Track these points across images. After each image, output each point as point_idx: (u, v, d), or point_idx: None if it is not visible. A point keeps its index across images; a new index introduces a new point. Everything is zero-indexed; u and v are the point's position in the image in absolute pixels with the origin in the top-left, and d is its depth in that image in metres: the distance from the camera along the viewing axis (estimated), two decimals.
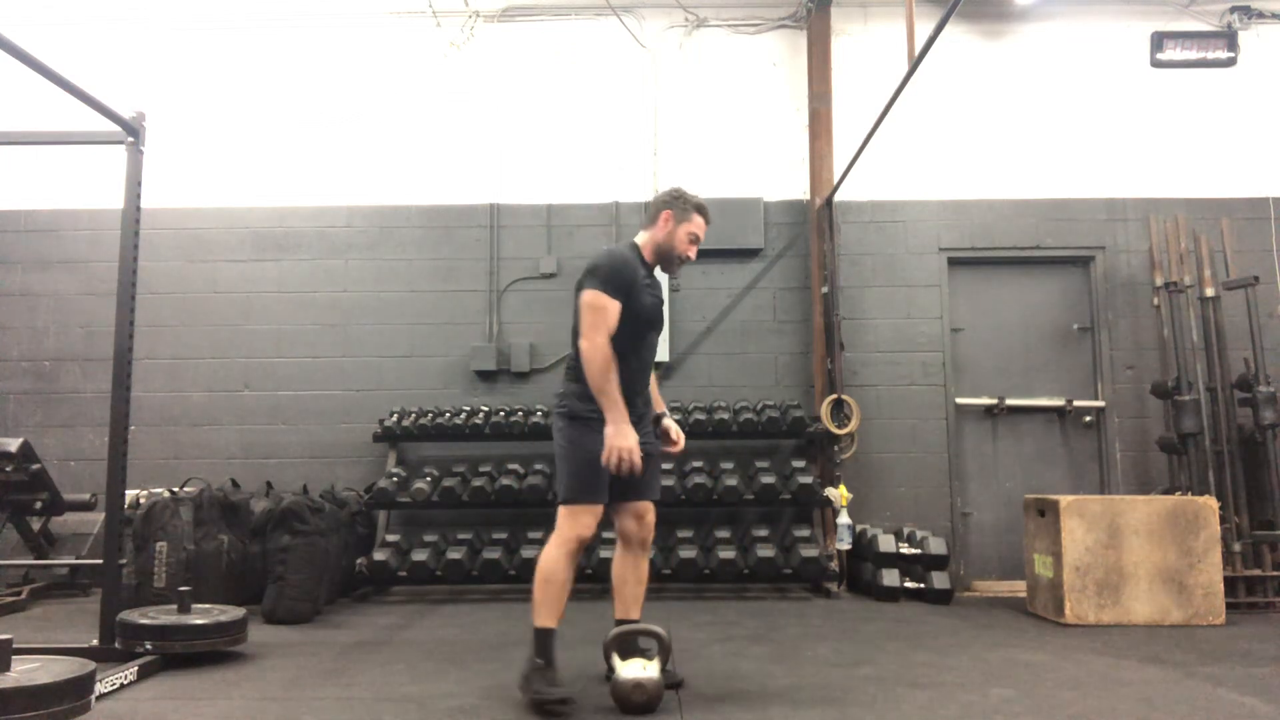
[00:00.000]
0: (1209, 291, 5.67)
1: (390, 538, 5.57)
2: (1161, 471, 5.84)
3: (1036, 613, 4.85)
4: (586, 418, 3.09)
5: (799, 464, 5.72)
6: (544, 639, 3.01)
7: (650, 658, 3.03)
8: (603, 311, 3.04)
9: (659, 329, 3.30)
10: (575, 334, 3.14)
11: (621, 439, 2.98)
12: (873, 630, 4.40)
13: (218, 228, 6.37)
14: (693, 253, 3.31)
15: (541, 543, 5.33)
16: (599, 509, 3.11)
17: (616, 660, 3.02)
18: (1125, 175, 6.26)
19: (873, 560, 5.40)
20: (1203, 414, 5.42)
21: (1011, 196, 6.26)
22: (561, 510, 3.09)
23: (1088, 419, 6.15)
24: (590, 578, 5.13)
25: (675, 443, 3.36)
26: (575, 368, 3.15)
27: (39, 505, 5.32)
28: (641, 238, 3.31)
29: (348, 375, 6.25)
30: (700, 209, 3.29)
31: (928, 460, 6.05)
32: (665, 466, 5.55)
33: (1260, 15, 6.35)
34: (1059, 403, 6.11)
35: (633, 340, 3.14)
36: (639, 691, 2.90)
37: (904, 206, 6.28)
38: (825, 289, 6.03)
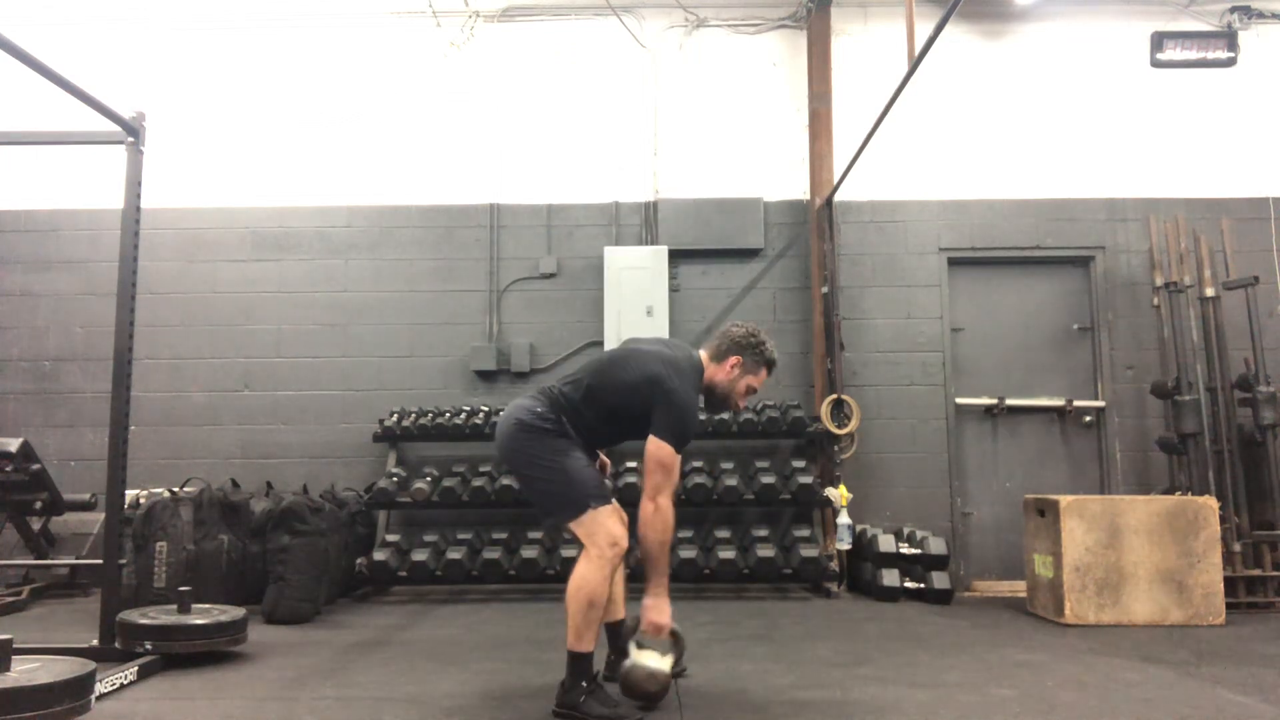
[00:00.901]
0: (1209, 291, 5.67)
1: (390, 538, 5.57)
2: (1161, 471, 5.84)
3: (1036, 613, 4.85)
4: (572, 437, 2.99)
5: (799, 464, 5.72)
6: (587, 663, 2.85)
7: (664, 654, 3.05)
8: (675, 471, 2.90)
9: None
10: (593, 397, 2.99)
11: (660, 615, 2.93)
12: (873, 630, 4.40)
13: (218, 228, 6.37)
14: (744, 405, 3.18)
15: (541, 543, 5.43)
16: (617, 506, 2.99)
17: (633, 648, 3.03)
18: (1125, 175, 6.26)
19: (873, 560, 5.40)
20: (1203, 414, 5.42)
21: (1011, 196, 6.26)
22: (585, 521, 2.86)
23: (1088, 419, 6.14)
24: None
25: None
26: (568, 408, 2.99)
27: (39, 505, 5.32)
28: (704, 358, 3.12)
29: (348, 375, 6.24)
30: (770, 366, 3.12)
31: (927, 460, 6.05)
32: None
33: (1260, 15, 6.34)
34: (1059, 403, 6.11)
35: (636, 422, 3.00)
36: (652, 680, 2.93)
37: (904, 206, 6.28)
38: (825, 289, 6.03)
